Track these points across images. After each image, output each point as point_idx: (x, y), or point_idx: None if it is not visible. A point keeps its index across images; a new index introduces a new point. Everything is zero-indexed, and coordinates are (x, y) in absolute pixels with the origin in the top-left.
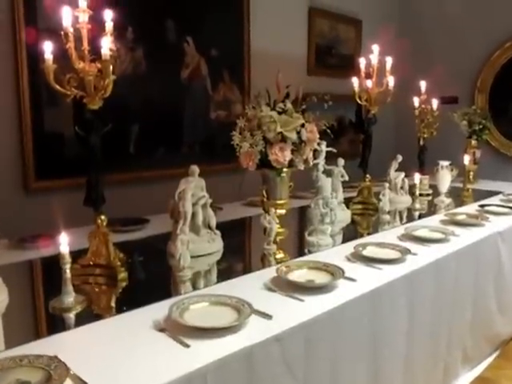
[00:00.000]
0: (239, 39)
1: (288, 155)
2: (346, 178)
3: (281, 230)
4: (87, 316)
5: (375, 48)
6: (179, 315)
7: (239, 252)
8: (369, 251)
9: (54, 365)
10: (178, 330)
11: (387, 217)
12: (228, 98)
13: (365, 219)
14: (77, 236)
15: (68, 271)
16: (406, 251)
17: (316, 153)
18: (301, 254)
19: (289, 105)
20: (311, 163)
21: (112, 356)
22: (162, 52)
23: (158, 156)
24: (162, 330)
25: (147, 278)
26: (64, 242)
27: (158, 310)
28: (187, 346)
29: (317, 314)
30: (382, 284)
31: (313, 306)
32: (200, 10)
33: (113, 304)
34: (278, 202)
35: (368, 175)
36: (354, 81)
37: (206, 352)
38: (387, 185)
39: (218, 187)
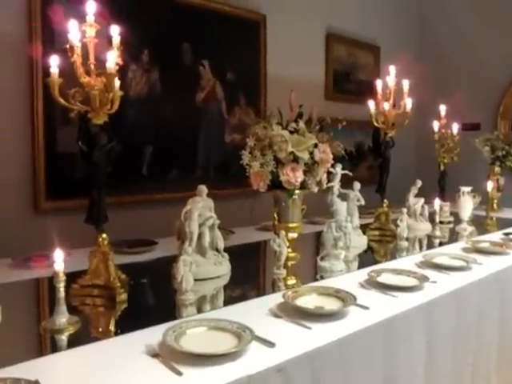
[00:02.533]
0: (255, 63)
1: (300, 176)
2: (362, 202)
3: (292, 255)
4: (79, 338)
5: (392, 69)
6: (175, 340)
7: (248, 276)
8: (384, 278)
9: None
10: (171, 356)
11: (405, 243)
12: (243, 121)
13: (382, 246)
14: (83, 256)
15: (62, 290)
16: (424, 278)
17: (331, 175)
18: (313, 279)
19: (301, 124)
20: (325, 185)
21: (96, 381)
22: (177, 74)
23: (171, 178)
24: (155, 356)
25: (148, 300)
26: (58, 260)
27: (154, 334)
28: (180, 373)
29: (324, 343)
30: (397, 313)
31: (320, 335)
32: (216, 33)
33: (107, 326)
34: (290, 224)
35: (386, 200)
36: (371, 103)
37: (200, 381)
38: (405, 210)
39: (231, 211)
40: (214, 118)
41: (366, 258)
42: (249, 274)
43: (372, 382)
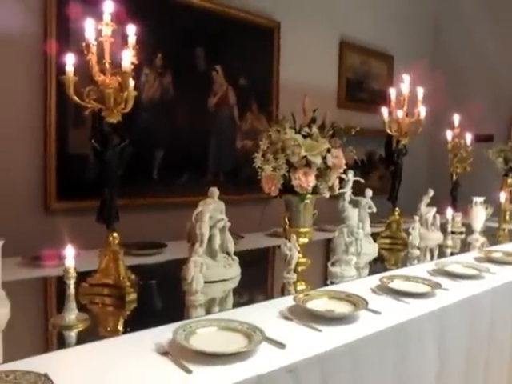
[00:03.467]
0: (268, 69)
1: (312, 180)
2: (374, 209)
3: (303, 260)
4: (88, 335)
5: (406, 77)
6: (185, 338)
7: (257, 280)
8: (396, 284)
9: (40, 383)
10: (181, 355)
11: (417, 252)
12: (255, 127)
13: (393, 254)
14: (92, 257)
15: (72, 287)
16: (437, 285)
17: (343, 182)
18: (323, 285)
19: (314, 129)
20: (337, 191)
21: (106, 378)
22: (190, 79)
23: (182, 183)
24: (164, 354)
25: (158, 301)
26: (69, 256)
27: (164, 333)
28: (189, 371)
29: (335, 346)
30: (409, 319)
31: (331, 338)
32: (230, 38)
33: (117, 325)
34: (301, 229)
35: (397, 209)
36: (384, 110)
37: (209, 379)
38: (417, 218)
39: (241, 217)
40: (226, 123)
41: (377, 266)
42: (258, 278)
43: None
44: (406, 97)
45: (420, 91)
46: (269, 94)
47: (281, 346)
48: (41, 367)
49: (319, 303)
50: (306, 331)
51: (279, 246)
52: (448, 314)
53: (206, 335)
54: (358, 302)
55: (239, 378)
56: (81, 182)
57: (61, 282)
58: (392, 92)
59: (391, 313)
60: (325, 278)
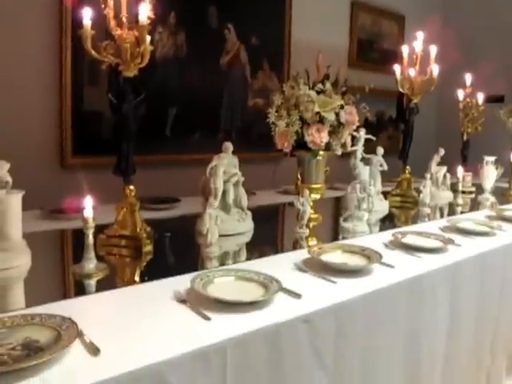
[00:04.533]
0: (280, 28)
1: (325, 137)
2: (385, 167)
3: (314, 216)
4: (107, 284)
5: (419, 35)
6: (202, 287)
7: (270, 235)
8: (409, 239)
9: (65, 325)
10: (199, 303)
11: (427, 210)
12: (267, 86)
13: (403, 212)
14: (108, 211)
15: (91, 236)
16: (449, 241)
17: (354, 140)
18: (334, 241)
19: (328, 85)
20: (349, 148)
21: (128, 323)
22: (203, 38)
23: (194, 140)
24: (182, 302)
25: (173, 253)
26: (88, 206)
27: (181, 283)
28: (208, 318)
29: (350, 298)
30: (423, 273)
31: (346, 289)
32: None
33: (134, 274)
34: (313, 185)
35: (408, 167)
36: (396, 68)
37: (228, 326)
38: (428, 176)
39: (252, 175)
40: (238, 81)
41: (388, 223)
42: (270, 233)
43: (394, 339)
44: (419, 55)
45: (433, 49)
46: (280, 53)
47: (297, 296)
48: (63, 312)
49: (333, 256)
50: (321, 283)
51: (290, 203)
52: (460, 270)
53: (223, 284)
54: (371, 256)
55: (257, 326)
56: (96, 137)
57: (78, 233)
58: (404, 50)
59: (404, 267)
60: (335, 235)
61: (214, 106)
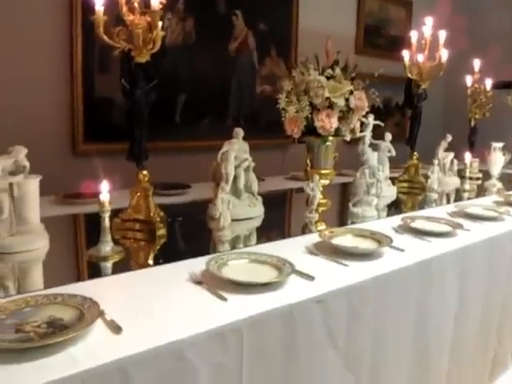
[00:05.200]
0: (288, 15)
1: (334, 122)
2: (393, 153)
3: (323, 201)
4: (123, 266)
5: (429, 20)
6: (217, 269)
7: (280, 219)
8: (418, 224)
9: (87, 305)
10: (215, 284)
11: (435, 195)
12: (274, 72)
13: (410, 197)
14: (119, 197)
15: (107, 220)
16: (458, 226)
17: (363, 125)
18: (343, 225)
19: (337, 71)
20: (358, 134)
21: (146, 303)
22: (211, 24)
23: (203, 127)
24: (198, 283)
25: (186, 236)
26: (104, 190)
27: (195, 265)
28: (224, 299)
29: (361, 280)
30: (432, 256)
31: (357, 272)
32: None
33: (150, 257)
34: (323, 171)
35: (416, 153)
36: (405, 54)
37: (244, 306)
38: (436, 161)
39: (261, 161)
40: (246, 68)
41: (395, 208)
42: (280, 217)
43: (404, 321)
44: (428, 40)
45: (442, 34)
46: (288, 39)
47: (310, 278)
48: (82, 293)
49: (344, 240)
50: (333, 265)
51: (298, 189)
52: (469, 254)
53: (237, 267)
54: (382, 240)
55: (272, 306)
56: (107, 124)
57: (93, 218)
58: (413, 35)
59: (414, 250)
60: (343, 220)
61: (222, 93)
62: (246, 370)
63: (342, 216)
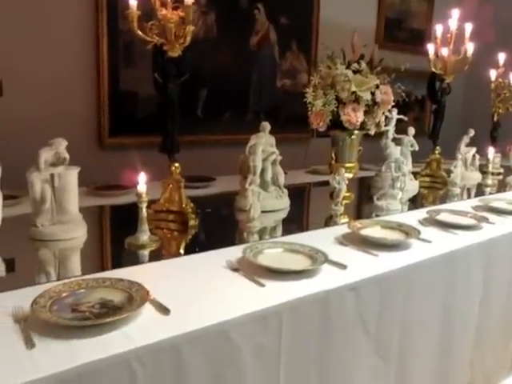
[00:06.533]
0: (309, 8)
1: (360, 116)
2: (416, 147)
3: (347, 194)
4: (160, 254)
5: (455, 12)
6: (253, 257)
7: (305, 211)
8: (443, 217)
9: (134, 288)
10: (252, 271)
11: (457, 190)
12: (295, 67)
13: (432, 192)
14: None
15: (144, 210)
16: (483, 219)
17: (386, 120)
18: (366, 218)
19: (363, 65)
20: (382, 127)
21: (188, 288)
22: (233, 18)
23: (224, 121)
24: (235, 270)
25: (215, 227)
26: (142, 182)
27: (229, 254)
28: (262, 285)
29: (392, 269)
30: (459, 248)
31: (387, 262)
32: None
33: (185, 246)
34: (347, 164)
35: (438, 147)
36: (430, 47)
37: (282, 292)
38: (459, 156)
39: (281, 155)
40: (267, 62)
41: (418, 202)
42: (305, 210)
43: (431, 311)
44: (454, 33)
45: (468, 27)
46: (309, 33)
47: (342, 266)
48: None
49: (373, 231)
50: (363, 256)
51: (320, 183)
52: (494, 246)
53: (272, 255)
54: (409, 231)
55: (308, 292)
56: (132, 118)
57: (123, 209)
58: (438, 29)
59: (441, 242)
60: (366, 213)
61: (243, 87)
62: (283, 351)
63: (364, 209)
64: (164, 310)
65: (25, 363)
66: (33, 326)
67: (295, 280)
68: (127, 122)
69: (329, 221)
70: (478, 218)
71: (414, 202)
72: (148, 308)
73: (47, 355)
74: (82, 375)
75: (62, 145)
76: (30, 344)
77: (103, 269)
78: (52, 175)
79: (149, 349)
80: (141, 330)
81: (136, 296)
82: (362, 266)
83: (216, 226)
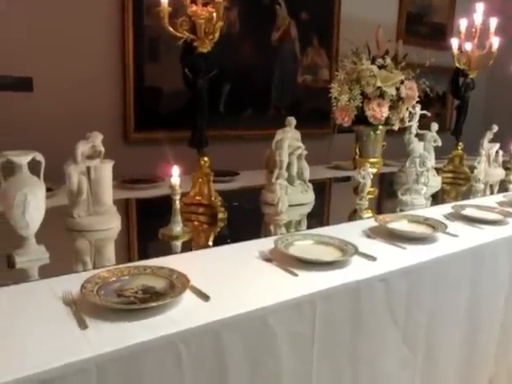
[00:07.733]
0: (330, 4)
1: (385, 111)
2: (439, 143)
3: (371, 189)
4: (194, 245)
5: (479, 7)
6: (285, 248)
7: (329, 205)
8: (468, 211)
9: (175, 275)
10: (284, 261)
11: (481, 186)
12: (316, 62)
13: (454, 188)
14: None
15: (177, 202)
16: (510, 214)
17: (409, 115)
18: (392, 213)
19: (388, 60)
20: (407, 123)
21: (225, 276)
22: (255, 13)
23: (246, 116)
24: (268, 260)
25: (243, 220)
26: (175, 174)
27: (260, 245)
28: (295, 274)
29: (420, 262)
30: (485, 242)
31: (415, 254)
32: None
33: (217, 237)
34: (371, 159)
35: (460, 143)
36: (454, 42)
37: (315, 282)
38: (483, 152)
39: None
40: (288, 57)
41: (441, 198)
42: (329, 204)
43: (458, 304)
44: (478, 28)
45: (493, 21)
46: (330, 29)
47: (372, 258)
48: None
49: (400, 225)
50: (392, 248)
51: (343, 178)
52: None
53: (303, 247)
54: (436, 225)
55: (340, 282)
56: (157, 113)
57: (153, 201)
58: (462, 23)
59: (468, 236)
60: (389, 207)
61: (264, 83)
62: (317, 338)
63: (387, 204)
64: (204, 297)
65: (81, 342)
66: (83, 309)
67: (326, 270)
68: (152, 117)
69: (353, 215)
70: (505, 214)
71: (437, 198)
72: (188, 294)
73: (99, 335)
74: (134, 354)
75: (98, 138)
76: (83, 325)
77: (139, 258)
78: (88, 168)
79: (192, 331)
80: (184, 315)
81: (177, 283)
82: (391, 258)
83: (243, 219)
